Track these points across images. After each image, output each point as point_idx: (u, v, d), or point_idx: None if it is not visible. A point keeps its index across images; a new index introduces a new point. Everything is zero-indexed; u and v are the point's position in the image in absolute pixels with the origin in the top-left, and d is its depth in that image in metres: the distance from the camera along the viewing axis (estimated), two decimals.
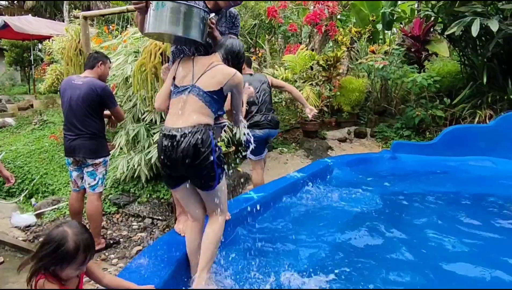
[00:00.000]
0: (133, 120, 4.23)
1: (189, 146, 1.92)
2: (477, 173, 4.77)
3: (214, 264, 2.22)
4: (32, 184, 5.02)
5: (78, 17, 4.42)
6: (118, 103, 3.44)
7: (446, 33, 6.16)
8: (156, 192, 4.22)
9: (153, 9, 1.93)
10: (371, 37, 8.53)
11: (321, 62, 6.70)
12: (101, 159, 3.24)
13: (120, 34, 5.05)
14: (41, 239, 3.60)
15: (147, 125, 4.15)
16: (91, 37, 5.20)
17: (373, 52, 7.28)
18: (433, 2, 6.60)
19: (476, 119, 6.00)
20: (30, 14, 14.08)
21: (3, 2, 19.51)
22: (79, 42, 4.56)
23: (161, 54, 3.51)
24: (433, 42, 7.15)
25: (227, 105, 2.33)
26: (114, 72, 4.21)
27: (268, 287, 2.16)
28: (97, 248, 3.00)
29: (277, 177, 4.02)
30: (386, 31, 8.84)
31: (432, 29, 7.20)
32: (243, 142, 3.89)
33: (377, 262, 2.54)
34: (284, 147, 6.09)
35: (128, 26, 6.17)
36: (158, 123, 4.06)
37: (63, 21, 13.13)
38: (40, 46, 14.27)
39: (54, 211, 4.15)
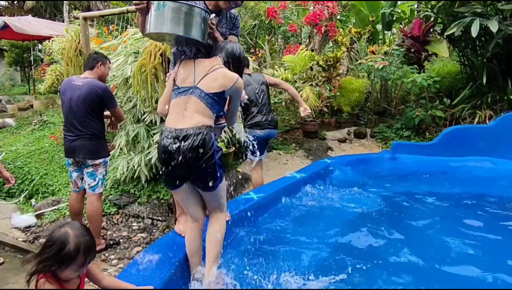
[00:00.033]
0: (133, 121, 4.23)
1: (193, 147, 1.92)
2: (477, 173, 4.77)
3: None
4: (32, 185, 5.01)
5: (78, 18, 4.43)
6: (118, 103, 3.44)
7: (446, 33, 6.16)
8: (156, 193, 4.22)
9: (154, 9, 1.94)
10: (371, 37, 8.53)
11: (321, 63, 6.70)
12: (101, 160, 3.24)
13: (120, 34, 5.06)
14: (41, 239, 3.60)
15: (147, 126, 4.15)
16: (91, 37, 5.20)
17: (373, 52, 7.29)
18: (433, 3, 6.60)
19: (476, 120, 6.00)
20: (30, 15, 14.10)
21: (3, 3, 19.52)
22: (79, 42, 4.56)
23: (161, 55, 3.51)
24: (433, 43, 7.16)
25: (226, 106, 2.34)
26: (114, 72, 4.21)
27: (268, 287, 2.16)
28: (97, 248, 3.00)
29: (277, 178, 4.02)
30: (386, 32, 8.84)
31: (431, 30, 7.20)
32: (243, 143, 3.91)
33: (377, 262, 2.54)
34: (283, 149, 6.09)
35: (128, 26, 6.18)
36: (158, 123, 4.06)
37: (63, 22, 13.13)
38: (40, 46, 14.28)
39: (54, 212, 4.15)
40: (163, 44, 3.49)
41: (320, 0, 7.14)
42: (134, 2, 2.01)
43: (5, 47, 13.98)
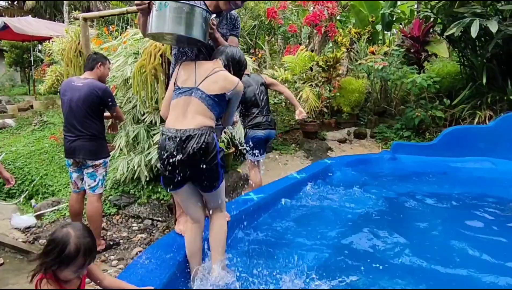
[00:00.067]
0: (133, 121, 4.24)
1: (197, 148, 1.93)
2: (476, 173, 4.77)
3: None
4: (32, 185, 5.02)
5: (78, 19, 4.43)
6: (118, 104, 3.44)
7: (446, 34, 6.17)
8: (156, 193, 4.22)
9: (156, 9, 1.94)
10: (370, 38, 8.54)
11: (320, 63, 6.71)
12: (101, 161, 3.24)
13: (120, 35, 5.06)
14: (41, 240, 3.61)
15: (147, 126, 4.15)
16: (91, 38, 5.20)
17: (372, 53, 7.30)
18: (433, 3, 6.61)
19: (476, 120, 6.01)
20: (30, 15, 14.11)
21: (3, 3, 19.53)
22: (79, 43, 4.57)
23: (160, 55, 3.51)
24: (433, 43, 7.17)
25: None
26: (114, 73, 4.22)
27: (268, 287, 2.16)
28: (97, 249, 3.00)
29: (277, 178, 4.02)
30: (385, 32, 8.85)
31: (431, 30, 7.21)
32: (243, 144, 3.92)
33: (377, 262, 2.54)
34: (282, 150, 6.09)
35: (128, 27, 6.18)
36: (158, 124, 4.06)
37: (63, 22, 13.14)
38: (40, 47, 14.29)
39: (54, 213, 4.15)
40: (163, 45, 3.49)
41: (320, 0, 7.15)
42: (135, 2, 2.02)
43: (5, 48, 13.99)
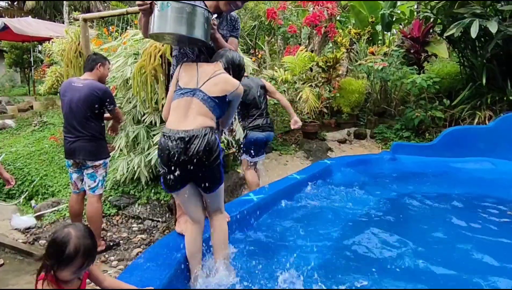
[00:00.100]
0: (133, 122, 4.24)
1: (200, 148, 1.93)
2: (476, 174, 4.77)
3: (211, 264, 2.26)
4: (32, 186, 5.01)
5: (78, 19, 4.43)
6: (117, 105, 3.44)
7: (445, 34, 6.17)
8: (156, 194, 4.22)
9: (158, 9, 1.94)
10: (370, 38, 8.55)
11: (320, 64, 6.71)
12: (101, 161, 3.24)
13: (120, 36, 5.06)
14: (41, 241, 3.61)
15: (147, 127, 4.15)
16: (91, 38, 5.21)
17: (372, 53, 7.30)
18: (432, 4, 6.61)
19: (476, 120, 6.01)
20: (29, 16, 14.12)
21: (3, 4, 19.54)
22: (78, 44, 4.57)
23: (160, 56, 3.51)
24: (432, 43, 7.17)
25: None
26: (114, 74, 4.22)
27: (268, 287, 2.16)
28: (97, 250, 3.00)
29: (277, 179, 4.02)
30: (385, 33, 8.85)
31: (431, 31, 7.21)
32: (241, 145, 3.95)
33: (376, 263, 2.55)
34: (282, 150, 6.09)
35: (128, 28, 6.18)
36: (158, 124, 4.06)
37: (63, 23, 13.14)
38: (40, 47, 14.29)
39: (54, 213, 4.15)
40: (162, 46, 3.50)
41: (320, 0, 7.15)
42: (137, 3, 2.02)
43: (5, 48, 13.99)
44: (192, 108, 2.03)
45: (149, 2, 1.97)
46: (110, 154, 3.60)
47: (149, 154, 4.03)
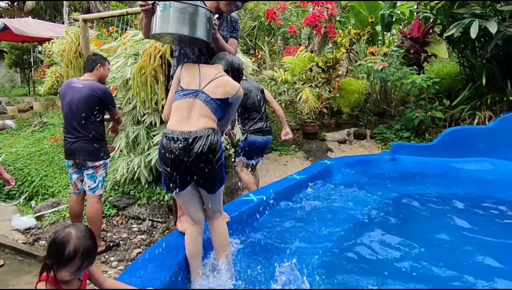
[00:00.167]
0: (133, 122, 4.24)
1: (204, 149, 1.94)
2: (476, 174, 4.77)
3: (211, 265, 2.28)
4: (32, 187, 5.02)
5: (78, 20, 4.43)
6: (117, 105, 3.44)
7: (445, 34, 6.17)
8: (156, 194, 4.22)
9: (160, 10, 1.94)
10: (370, 38, 8.55)
11: (320, 64, 6.71)
12: (101, 162, 3.25)
13: (120, 36, 5.07)
14: (41, 241, 3.61)
15: (147, 128, 4.15)
16: (91, 39, 5.21)
17: (372, 53, 7.30)
18: (432, 4, 6.61)
19: (476, 121, 6.01)
20: (29, 16, 14.12)
21: (3, 4, 19.55)
22: (78, 44, 4.57)
23: (160, 57, 3.52)
24: (432, 44, 7.17)
25: None
26: (113, 74, 4.22)
27: (268, 287, 2.17)
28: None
29: (277, 179, 4.02)
30: (385, 33, 8.85)
31: (431, 31, 7.21)
32: (237, 148, 3.97)
33: (376, 263, 2.55)
34: (282, 150, 6.09)
35: (128, 28, 6.18)
36: (158, 125, 4.06)
37: (63, 23, 13.15)
38: (40, 48, 14.29)
39: (54, 214, 4.15)
40: (162, 46, 3.50)
41: (320, 0, 7.16)
42: (139, 3, 2.02)
43: (5, 49, 14.00)
44: (194, 109, 2.04)
45: (151, 2, 1.97)
46: (110, 154, 3.61)
47: (149, 154, 4.03)
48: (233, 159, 4.16)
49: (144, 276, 1.99)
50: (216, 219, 2.22)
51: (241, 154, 3.89)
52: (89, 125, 3.18)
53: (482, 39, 6.27)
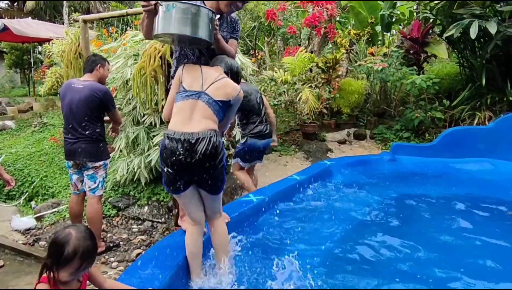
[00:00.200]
0: (133, 123, 4.24)
1: (207, 151, 1.95)
2: (476, 175, 4.77)
3: (211, 265, 2.29)
4: (32, 187, 5.02)
5: (78, 21, 4.44)
6: (117, 106, 3.45)
7: (445, 35, 6.18)
8: (156, 195, 4.22)
9: (163, 10, 1.95)
10: (370, 39, 8.55)
11: (320, 64, 6.71)
12: (101, 162, 3.25)
13: (120, 37, 5.07)
14: (41, 242, 3.61)
15: (147, 128, 4.15)
16: (91, 40, 5.21)
17: (372, 54, 7.30)
18: (432, 4, 6.62)
19: (476, 121, 6.01)
20: (29, 17, 14.13)
21: (3, 5, 19.55)
22: (78, 45, 4.57)
23: (160, 57, 3.52)
24: (432, 44, 7.18)
25: None
26: (113, 75, 4.22)
27: (268, 288, 2.17)
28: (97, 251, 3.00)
29: (276, 180, 4.03)
30: (385, 33, 8.86)
31: (430, 31, 7.22)
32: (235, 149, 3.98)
33: (376, 263, 2.55)
34: (282, 151, 6.09)
35: (128, 29, 6.19)
36: (158, 126, 4.06)
37: (63, 24, 13.16)
38: (40, 48, 14.31)
39: (54, 214, 4.15)
40: (162, 47, 3.50)
41: (320, 0, 7.16)
42: (141, 3, 2.02)
43: (5, 49, 14.00)
44: (197, 110, 2.04)
45: (154, 2, 1.97)
46: (110, 155, 3.61)
47: (149, 155, 4.03)
48: (228, 160, 4.17)
49: (144, 276, 1.99)
50: (216, 219, 2.23)
51: (238, 156, 3.90)
52: (89, 125, 3.18)
53: (481, 40, 6.27)
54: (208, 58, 2.32)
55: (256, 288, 2.18)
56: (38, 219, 4.12)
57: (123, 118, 4.20)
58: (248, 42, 9.50)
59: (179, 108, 2.07)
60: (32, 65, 12.75)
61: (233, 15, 2.44)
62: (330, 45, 8.45)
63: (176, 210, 3.21)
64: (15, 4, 19.58)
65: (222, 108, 2.13)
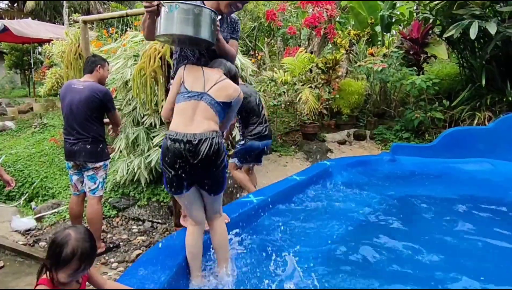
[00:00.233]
0: (132, 124, 4.25)
1: (209, 152, 1.95)
2: (476, 175, 4.77)
3: (211, 266, 2.29)
4: (32, 188, 5.02)
5: (78, 21, 4.44)
6: (117, 106, 3.45)
7: (445, 35, 6.18)
8: (156, 195, 4.23)
9: (166, 11, 1.95)
10: (370, 39, 8.56)
11: (320, 65, 6.72)
12: (101, 163, 3.25)
13: (120, 37, 5.08)
14: (41, 243, 3.61)
15: (147, 129, 4.16)
16: (91, 40, 5.22)
17: (372, 54, 7.30)
18: (432, 5, 6.62)
19: (475, 121, 6.01)
20: (29, 18, 14.14)
21: (3, 5, 19.56)
22: (78, 46, 4.58)
23: (160, 58, 3.52)
24: (432, 45, 7.18)
25: None
26: (113, 75, 4.23)
27: (268, 288, 2.17)
28: (97, 252, 3.00)
29: (276, 180, 4.03)
30: (385, 34, 8.87)
31: (430, 32, 7.22)
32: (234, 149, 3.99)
33: (376, 263, 2.55)
34: (282, 151, 6.10)
35: (128, 29, 6.20)
36: (157, 126, 4.07)
37: (63, 25, 13.17)
38: (40, 49, 14.32)
39: (54, 215, 4.16)
40: (162, 48, 3.50)
41: (320, 0, 7.17)
42: (144, 4, 2.02)
43: (5, 50, 14.01)
44: (198, 111, 2.04)
45: (156, 3, 1.97)
46: (110, 155, 3.61)
47: (149, 155, 4.04)
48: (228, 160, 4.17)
49: (144, 277, 2.00)
50: (216, 219, 2.23)
51: (236, 156, 3.90)
52: (89, 126, 3.18)
53: (481, 40, 6.28)
54: (208, 59, 2.32)
55: (256, 288, 2.18)
56: (38, 219, 4.12)
57: (123, 119, 4.21)
58: (248, 42, 9.51)
59: (181, 108, 2.08)
60: (32, 66, 12.76)
61: (233, 15, 2.44)
62: (330, 46, 8.46)
63: (176, 211, 3.21)
64: (15, 4, 19.59)
65: (224, 109, 2.14)
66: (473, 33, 5.27)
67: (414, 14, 8.41)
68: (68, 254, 1.45)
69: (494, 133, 5.15)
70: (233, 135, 4.43)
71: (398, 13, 8.59)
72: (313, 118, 6.50)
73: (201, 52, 2.32)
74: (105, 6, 17.68)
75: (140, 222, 3.96)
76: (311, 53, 7.36)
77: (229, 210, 2.87)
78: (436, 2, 6.39)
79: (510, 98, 5.86)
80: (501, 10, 5.66)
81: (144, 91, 3.76)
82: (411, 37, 7.17)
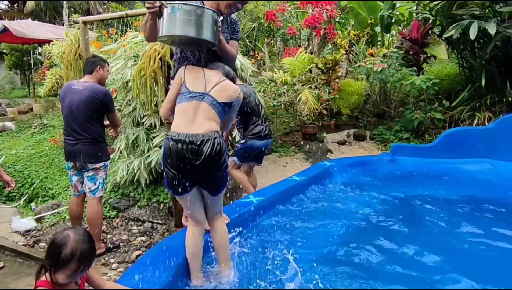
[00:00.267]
0: (132, 124, 4.25)
1: (211, 152, 1.96)
2: (476, 175, 4.77)
3: (211, 266, 2.30)
4: (32, 188, 5.02)
5: (77, 22, 4.44)
6: (117, 107, 3.45)
7: (444, 36, 6.19)
8: (156, 196, 4.22)
9: (169, 12, 1.95)
10: (369, 40, 8.56)
11: (320, 65, 6.72)
12: (101, 164, 3.25)
13: (120, 38, 5.08)
14: (41, 243, 3.61)
15: (147, 129, 4.16)
16: (91, 41, 5.22)
17: (371, 55, 7.30)
18: (431, 5, 6.63)
19: (475, 122, 6.02)
20: (29, 18, 14.15)
21: (3, 6, 19.57)
22: (78, 46, 4.58)
23: (160, 59, 3.52)
24: (432, 45, 7.18)
25: None
26: (113, 76, 4.23)
27: (268, 288, 2.17)
28: (97, 252, 3.00)
29: (276, 180, 4.03)
30: (384, 34, 8.87)
31: (430, 32, 7.22)
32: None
33: (376, 263, 2.55)
34: (282, 152, 6.10)
35: (128, 30, 6.20)
36: (157, 127, 4.07)
37: (63, 25, 13.18)
38: (40, 50, 14.32)
39: (54, 216, 4.15)
40: (162, 48, 3.51)
41: (320, 0, 7.17)
42: (146, 5, 2.02)
43: (5, 51, 14.02)
44: (200, 111, 2.05)
45: (159, 4, 1.97)
46: (110, 156, 3.61)
47: (149, 156, 4.04)
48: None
49: (144, 278, 2.00)
50: (217, 220, 2.24)
51: (236, 155, 3.91)
52: (89, 127, 3.19)
53: (481, 40, 6.28)
54: (208, 60, 2.32)
55: (256, 288, 2.18)
56: (38, 220, 4.12)
57: (123, 120, 4.21)
58: (248, 43, 9.51)
59: (183, 109, 2.08)
60: (32, 66, 12.77)
61: (233, 16, 2.44)
62: (330, 46, 8.47)
63: (176, 211, 3.22)
64: (15, 5, 19.60)
65: (225, 110, 2.15)
66: (472, 33, 5.27)
67: (414, 14, 8.42)
68: (67, 255, 1.45)
69: (494, 134, 5.15)
70: (233, 135, 4.43)
71: (398, 13, 8.59)
72: (313, 118, 6.50)
73: (201, 53, 2.33)
74: (105, 6, 17.69)
75: (140, 223, 3.96)
76: (311, 53, 7.37)
77: (229, 210, 2.87)
78: (435, 2, 6.39)
79: (509, 99, 5.86)
80: (500, 10, 5.67)
81: (144, 91, 3.76)
82: (411, 38, 7.17)
